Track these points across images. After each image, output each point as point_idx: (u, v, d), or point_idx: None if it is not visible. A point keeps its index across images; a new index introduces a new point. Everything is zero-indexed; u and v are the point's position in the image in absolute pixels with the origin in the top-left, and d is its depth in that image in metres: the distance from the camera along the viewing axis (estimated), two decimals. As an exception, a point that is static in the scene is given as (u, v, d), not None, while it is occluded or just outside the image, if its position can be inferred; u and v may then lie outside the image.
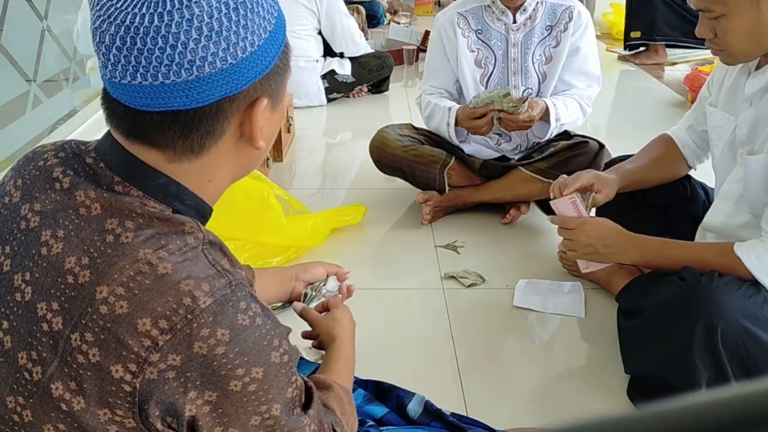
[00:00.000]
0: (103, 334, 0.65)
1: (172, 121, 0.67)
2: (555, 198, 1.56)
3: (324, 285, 1.32)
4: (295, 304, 1.29)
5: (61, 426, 0.68)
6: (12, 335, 0.69)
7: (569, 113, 2.12)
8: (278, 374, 0.71)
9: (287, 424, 0.73)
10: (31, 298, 0.69)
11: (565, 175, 1.63)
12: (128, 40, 0.63)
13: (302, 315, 1.24)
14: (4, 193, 0.75)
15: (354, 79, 3.63)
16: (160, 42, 0.63)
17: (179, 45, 0.63)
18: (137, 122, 0.68)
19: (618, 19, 5.30)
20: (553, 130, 2.12)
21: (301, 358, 1.33)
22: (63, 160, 0.73)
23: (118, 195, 0.69)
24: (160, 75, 0.64)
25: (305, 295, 1.32)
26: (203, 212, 0.76)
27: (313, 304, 1.29)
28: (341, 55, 3.64)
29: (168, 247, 0.67)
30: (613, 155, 2.04)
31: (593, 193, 1.58)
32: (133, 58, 0.64)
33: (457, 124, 2.13)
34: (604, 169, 1.92)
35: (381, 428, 1.11)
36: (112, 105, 0.70)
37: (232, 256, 0.73)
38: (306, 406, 0.77)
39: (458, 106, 2.16)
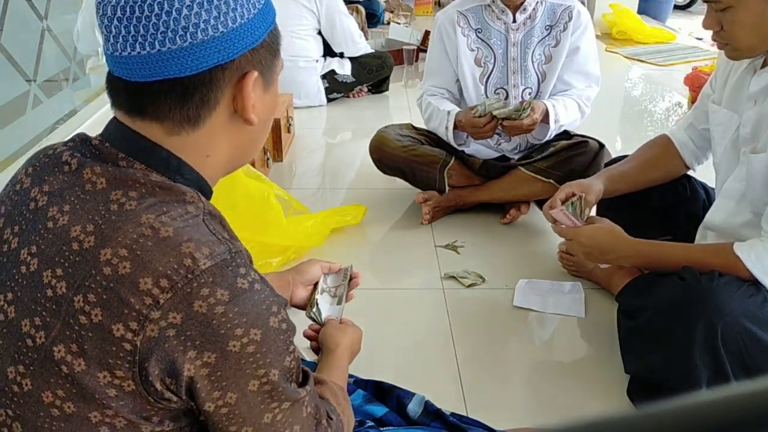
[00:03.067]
0: (106, 294, 0.67)
1: (169, 89, 0.71)
2: (549, 218, 1.62)
3: (324, 282, 1.31)
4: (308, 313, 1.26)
5: (60, 392, 0.69)
6: (16, 305, 0.72)
7: (568, 114, 2.12)
8: (276, 340, 0.72)
9: (285, 392, 0.75)
10: (36, 269, 0.71)
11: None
12: (128, 9, 0.68)
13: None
14: (16, 181, 0.79)
15: (354, 79, 3.63)
16: (156, 9, 0.68)
17: (174, 11, 0.68)
18: (137, 96, 0.73)
19: (618, 20, 5.30)
20: (552, 131, 2.12)
21: (301, 357, 1.32)
22: (72, 147, 0.77)
23: (122, 169, 0.73)
24: (157, 42, 0.69)
25: (314, 302, 1.28)
26: (203, 189, 0.78)
27: (324, 304, 1.27)
28: (341, 55, 3.63)
29: (170, 213, 0.71)
30: (614, 155, 2.04)
31: (583, 195, 1.60)
32: (132, 28, 0.69)
33: (456, 127, 2.13)
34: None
35: (381, 428, 1.11)
36: (114, 85, 0.74)
37: (231, 229, 0.76)
38: (303, 384, 0.79)
39: (457, 109, 2.15)
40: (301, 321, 1.21)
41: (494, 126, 2.04)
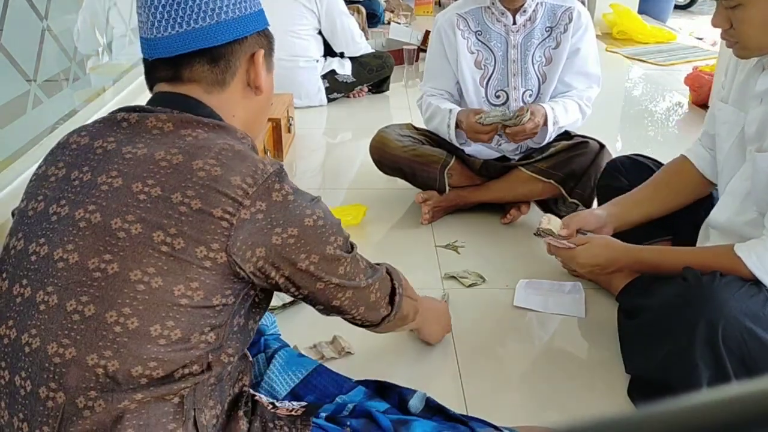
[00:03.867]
0: (203, 189, 0.86)
1: (201, 56, 0.95)
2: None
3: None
4: None
5: (150, 269, 0.84)
6: (101, 212, 0.86)
7: (568, 116, 2.11)
8: (331, 219, 0.99)
9: (346, 254, 1.02)
10: (122, 183, 0.87)
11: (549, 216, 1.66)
12: None
13: None
14: (69, 142, 0.95)
15: (354, 79, 3.63)
16: None
17: None
18: (177, 67, 0.95)
19: (618, 20, 5.30)
20: (552, 134, 2.11)
21: (302, 356, 1.33)
22: (123, 110, 0.95)
23: (184, 114, 0.93)
24: (192, 21, 0.92)
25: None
26: None
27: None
28: (341, 55, 3.63)
29: (234, 141, 0.93)
30: (614, 155, 2.04)
31: (547, 218, 1.63)
32: (173, 12, 0.92)
33: (458, 126, 2.13)
34: (604, 169, 1.92)
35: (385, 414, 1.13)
36: (154, 66, 0.97)
37: None
38: (352, 249, 1.06)
39: (459, 108, 2.15)
40: (302, 321, 1.20)
41: (494, 133, 2.04)
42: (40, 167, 0.97)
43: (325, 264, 0.98)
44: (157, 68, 0.97)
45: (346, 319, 1.14)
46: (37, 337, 0.85)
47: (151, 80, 0.99)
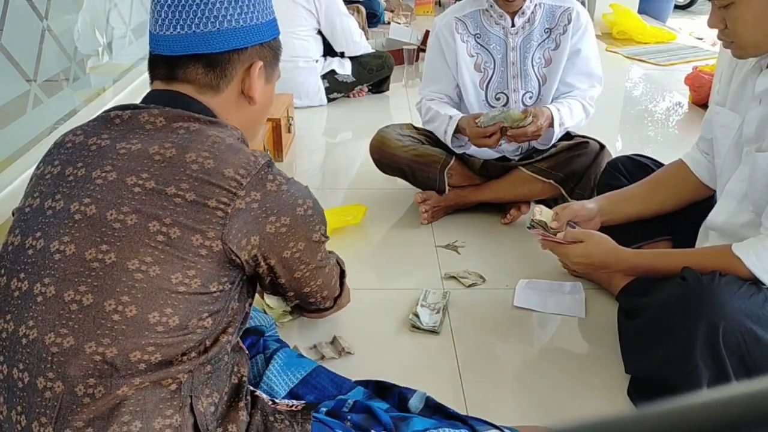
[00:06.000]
0: (197, 182, 0.88)
1: (197, 60, 0.96)
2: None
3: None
4: None
5: (148, 258, 0.86)
6: (96, 204, 0.87)
7: (573, 116, 2.11)
8: (318, 207, 1.04)
9: (325, 241, 1.09)
10: (116, 177, 0.88)
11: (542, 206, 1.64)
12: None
13: None
14: (64, 142, 0.96)
15: (354, 79, 3.63)
16: (198, 0, 0.94)
17: (210, 4, 0.94)
18: (174, 66, 0.97)
19: (618, 20, 5.30)
20: (558, 134, 2.11)
21: (302, 357, 1.33)
22: (117, 108, 0.96)
23: (175, 110, 0.94)
24: (193, 25, 0.94)
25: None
26: None
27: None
28: (341, 55, 3.63)
29: (224, 133, 0.95)
30: (614, 155, 2.04)
31: (539, 209, 1.61)
32: (178, 14, 0.94)
33: (459, 131, 2.12)
34: (604, 169, 1.92)
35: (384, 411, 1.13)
36: (156, 61, 0.99)
37: None
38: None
39: (460, 115, 2.13)
40: (301, 329, 1.20)
41: (499, 137, 2.03)
42: (38, 167, 0.98)
43: (308, 251, 1.03)
44: (156, 64, 0.99)
45: (303, 308, 1.21)
46: (34, 328, 0.86)
47: (151, 75, 1.02)
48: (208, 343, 0.92)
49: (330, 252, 1.19)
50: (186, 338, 0.88)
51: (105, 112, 0.97)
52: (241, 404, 0.97)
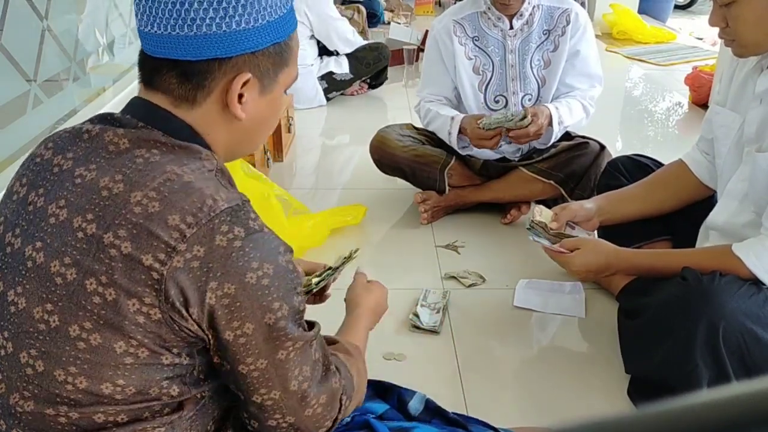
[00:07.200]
0: (136, 229, 0.74)
1: (173, 68, 0.81)
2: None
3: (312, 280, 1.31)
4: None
5: (87, 324, 0.75)
6: (45, 250, 0.78)
7: (573, 115, 2.11)
8: (286, 277, 0.79)
9: (295, 331, 0.81)
10: (66, 217, 0.77)
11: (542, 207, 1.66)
12: None
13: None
14: (35, 155, 0.87)
15: (352, 76, 3.64)
16: None
17: (186, 3, 0.78)
18: (150, 69, 0.83)
19: (618, 20, 5.30)
20: (557, 134, 2.11)
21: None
22: (92, 121, 0.86)
23: (142, 130, 0.81)
24: (169, 26, 0.79)
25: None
26: None
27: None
28: (337, 53, 3.64)
29: (189, 166, 0.80)
30: (614, 156, 2.04)
31: (539, 209, 1.63)
32: (153, 9, 0.79)
33: (461, 132, 2.11)
34: (604, 169, 1.92)
35: (382, 421, 1.11)
36: (141, 61, 0.85)
37: (236, 186, 0.85)
38: (310, 329, 0.86)
39: (462, 115, 2.13)
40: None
41: (499, 139, 2.03)
42: (12, 179, 0.90)
43: (260, 338, 0.79)
44: (142, 63, 0.86)
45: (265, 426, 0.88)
46: (2, 382, 0.81)
47: (138, 75, 0.90)
48: (181, 401, 0.82)
49: (335, 367, 0.90)
50: (151, 404, 0.79)
51: (81, 123, 0.87)
52: (228, 423, 0.91)
